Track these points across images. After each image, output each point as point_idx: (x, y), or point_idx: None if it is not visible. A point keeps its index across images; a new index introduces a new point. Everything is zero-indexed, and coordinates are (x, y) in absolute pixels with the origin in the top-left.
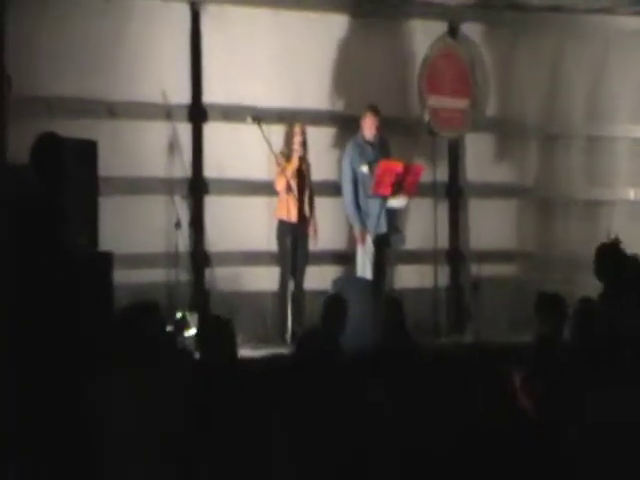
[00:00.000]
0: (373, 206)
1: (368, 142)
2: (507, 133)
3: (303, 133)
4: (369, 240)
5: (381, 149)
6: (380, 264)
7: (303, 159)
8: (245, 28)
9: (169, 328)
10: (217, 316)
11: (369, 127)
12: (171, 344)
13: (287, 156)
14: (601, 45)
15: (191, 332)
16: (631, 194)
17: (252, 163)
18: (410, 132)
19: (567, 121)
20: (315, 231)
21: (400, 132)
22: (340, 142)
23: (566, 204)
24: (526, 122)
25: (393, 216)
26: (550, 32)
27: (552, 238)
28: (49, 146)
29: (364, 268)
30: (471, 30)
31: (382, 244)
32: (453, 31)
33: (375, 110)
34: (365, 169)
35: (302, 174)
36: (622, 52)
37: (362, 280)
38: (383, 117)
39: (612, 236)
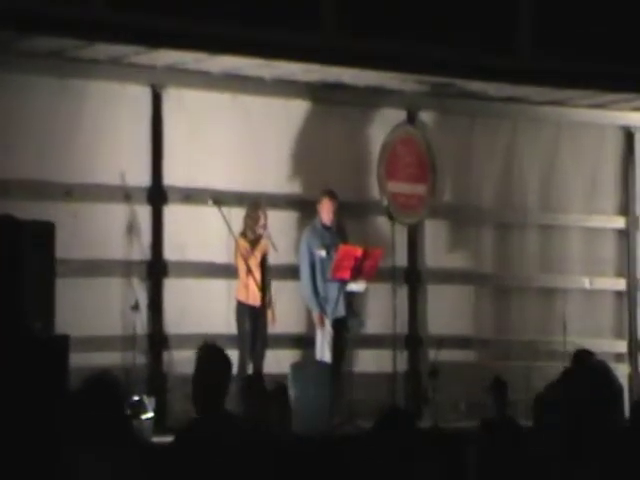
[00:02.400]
0: (331, 290)
1: (325, 226)
2: (464, 219)
3: (266, 218)
4: (327, 324)
5: (338, 233)
6: (339, 348)
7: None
8: (206, 111)
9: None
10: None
11: (326, 212)
12: (126, 427)
13: (252, 241)
14: (554, 135)
15: (148, 415)
16: (586, 282)
17: (212, 245)
18: (369, 217)
19: (522, 209)
20: (273, 312)
21: (359, 217)
22: (299, 226)
23: (522, 291)
24: (482, 209)
25: (352, 300)
26: (505, 121)
27: (508, 324)
28: (6, 228)
29: (323, 351)
30: (429, 117)
31: (341, 328)
32: (411, 118)
33: (332, 195)
34: (322, 253)
35: (265, 259)
36: (574, 143)
37: (321, 364)
38: (342, 202)
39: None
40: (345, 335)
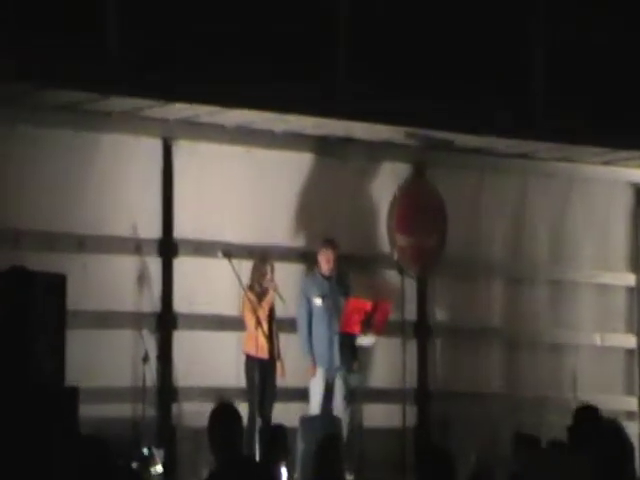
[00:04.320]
0: (324, 340)
1: (324, 276)
2: (474, 273)
3: (273, 271)
4: (320, 373)
5: (339, 283)
6: (329, 399)
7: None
8: (217, 164)
9: (134, 464)
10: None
11: (325, 261)
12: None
13: (258, 294)
14: (564, 191)
15: (157, 468)
16: (597, 339)
17: (222, 298)
18: (378, 270)
19: (532, 264)
20: (282, 364)
21: (368, 270)
22: None
23: (532, 346)
24: (492, 263)
25: (355, 355)
26: (514, 176)
27: (519, 379)
28: (17, 279)
29: (317, 403)
30: (438, 172)
31: (333, 378)
32: (421, 172)
33: (331, 244)
34: (318, 302)
35: (273, 312)
36: (584, 198)
37: (329, 417)
38: (351, 254)
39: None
40: (344, 387)
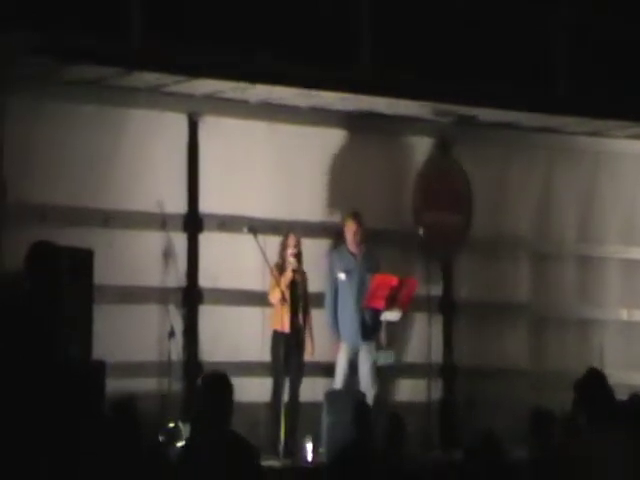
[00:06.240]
0: (348, 315)
1: (350, 251)
2: (500, 250)
3: (297, 245)
4: (343, 349)
5: (365, 259)
6: (353, 374)
7: (297, 271)
8: (242, 140)
9: (160, 438)
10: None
11: (350, 233)
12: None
13: (281, 267)
14: (592, 166)
15: (183, 442)
16: (624, 314)
17: (247, 273)
18: (404, 245)
19: (559, 239)
20: (312, 342)
21: (394, 245)
22: None
23: (559, 322)
24: (519, 239)
25: (379, 328)
26: (541, 151)
27: (545, 355)
28: (44, 254)
29: (341, 378)
30: (464, 147)
31: (356, 354)
32: (447, 148)
33: (356, 216)
34: (342, 276)
35: (295, 286)
36: (612, 173)
37: (354, 393)
38: (377, 230)
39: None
40: (368, 363)
